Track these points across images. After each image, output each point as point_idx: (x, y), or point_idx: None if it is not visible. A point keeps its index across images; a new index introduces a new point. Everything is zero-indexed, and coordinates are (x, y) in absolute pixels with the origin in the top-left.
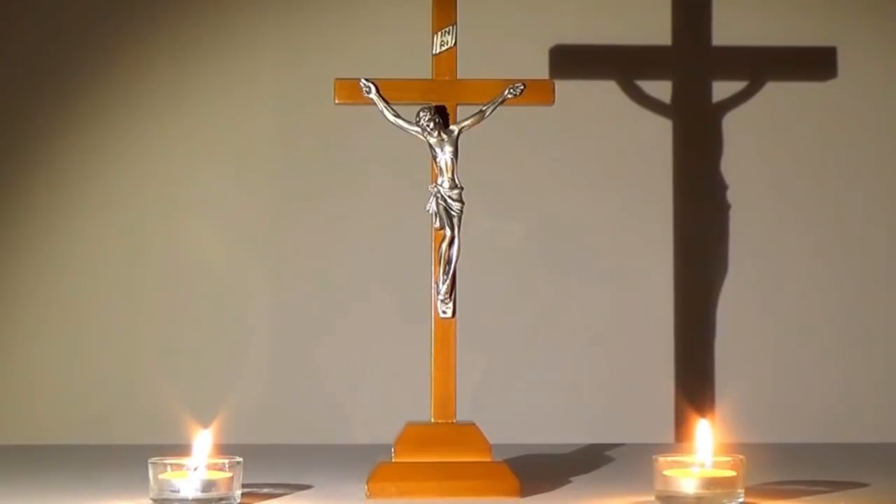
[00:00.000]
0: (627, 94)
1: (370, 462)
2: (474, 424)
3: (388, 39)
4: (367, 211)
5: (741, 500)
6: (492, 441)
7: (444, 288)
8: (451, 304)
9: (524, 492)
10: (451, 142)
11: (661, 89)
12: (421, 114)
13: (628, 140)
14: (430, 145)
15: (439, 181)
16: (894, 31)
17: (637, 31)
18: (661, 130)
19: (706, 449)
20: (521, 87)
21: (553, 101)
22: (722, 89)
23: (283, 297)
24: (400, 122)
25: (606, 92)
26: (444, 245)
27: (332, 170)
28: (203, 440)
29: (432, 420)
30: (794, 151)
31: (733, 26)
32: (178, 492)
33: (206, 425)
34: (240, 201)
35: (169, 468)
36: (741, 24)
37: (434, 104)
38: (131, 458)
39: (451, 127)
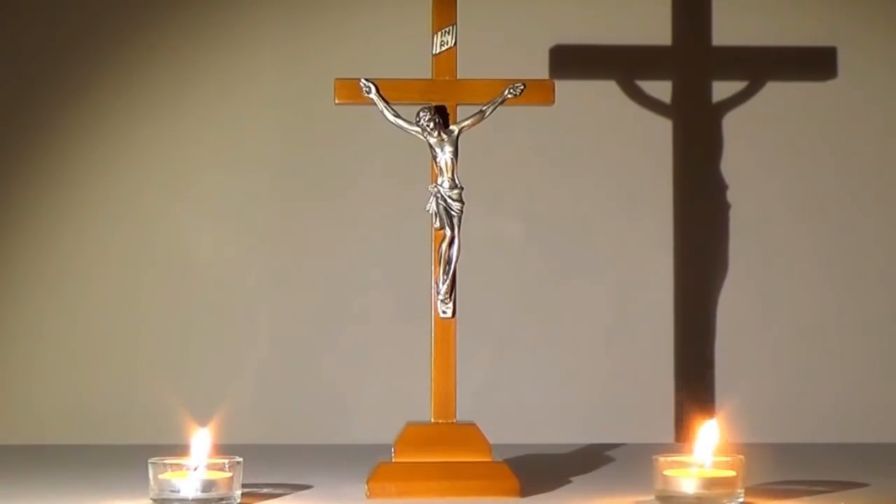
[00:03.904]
0: (627, 94)
1: (370, 462)
2: (474, 424)
3: (388, 39)
4: (367, 211)
5: (741, 500)
6: (492, 441)
7: (444, 288)
8: (451, 304)
9: (524, 492)
10: (451, 142)
11: (661, 89)
12: (421, 114)
13: (628, 140)
14: (430, 145)
15: (439, 181)
16: (894, 31)
17: (637, 31)
18: (661, 130)
19: (708, 449)
20: (521, 87)
21: (553, 101)
22: (722, 89)
23: (283, 297)
24: (400, 122)
25: (606, 92)
26: (444, 245)
27: (332, 170)
28: (201, 439)
29: (432, 420)
30: (794, 151)
31: (733, 26)
32: (178, 492)
33: (204, 424)
34: (240, 201)
35: (169, 468)
36: (741, 24)
37: (434, 104)
38: (131, 458)
39: (451, 127)
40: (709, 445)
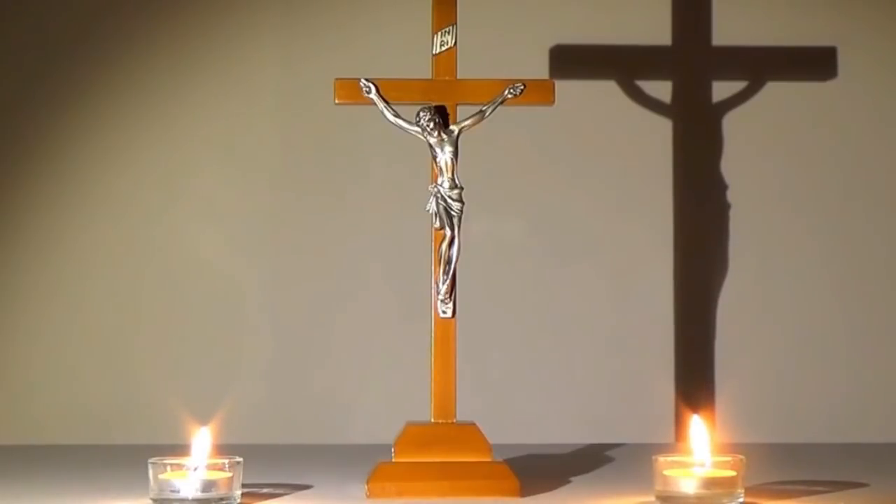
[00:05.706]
0: (627, 94)
1: (370, 462)
2: (474, 424)
3: (388, 39)
4: (367, 211)
5: (741, 500)
6: (492, 441)
7: (444, 288)
8: (451, 304)
9: (524, 492)
10: (451, 142)
11: (661, 89)
12: (421, 114)
13: (628, 140)
14: (430, 145)
15: (439, 181)
16: (894, 31)
17: (637, 31)
18: (661, 130)
19: (702, 446)
20: (521, 87)
21: (553, 101)
22: (722, 89)
23: (283, 297)
24: (400, 122)
25: (606, 92)
26: (444, 245)
27: (331, 170)
28: (202, 439)
29: (432, 420)
30: (794, 151)
31: (733, 26)
32: (178, 492)
33: (204, 424)
34: (239, 201)
35: (169, 468)
36: (741, 24)
37: (434, 104)
38: (131, 458)
39: (451, 127)
40: (700, 442)
